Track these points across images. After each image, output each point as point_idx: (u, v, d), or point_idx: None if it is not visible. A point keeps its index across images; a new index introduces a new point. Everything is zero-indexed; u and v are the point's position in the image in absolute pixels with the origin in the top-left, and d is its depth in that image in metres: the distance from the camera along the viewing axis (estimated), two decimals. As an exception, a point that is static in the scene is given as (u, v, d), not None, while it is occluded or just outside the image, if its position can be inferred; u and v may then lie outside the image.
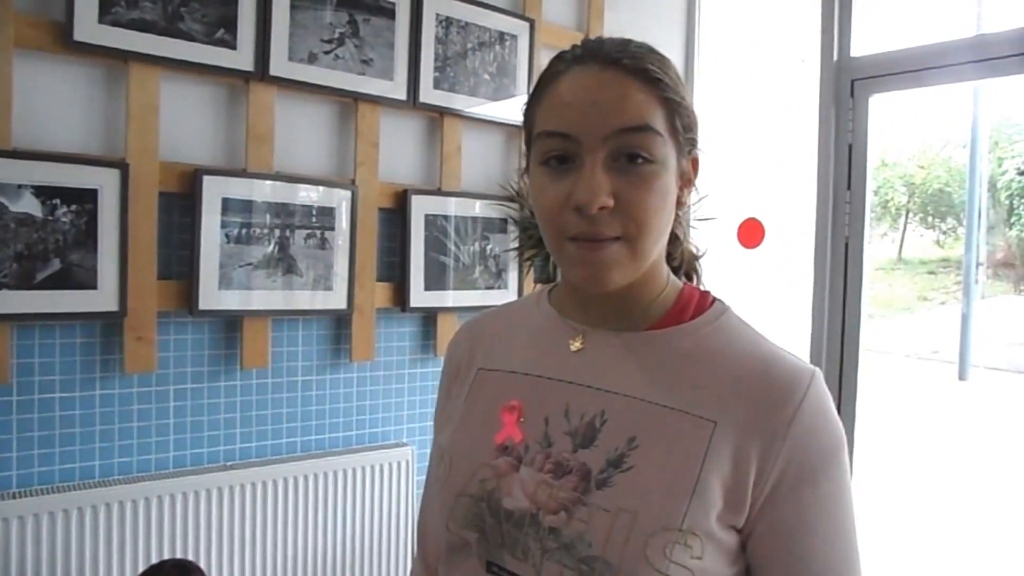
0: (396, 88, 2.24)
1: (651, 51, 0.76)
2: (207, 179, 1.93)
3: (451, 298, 2.39)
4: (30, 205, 1.72)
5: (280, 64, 2.02)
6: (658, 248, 0.77)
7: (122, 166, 1.82)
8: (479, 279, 2.45)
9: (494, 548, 0.76)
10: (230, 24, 1.95)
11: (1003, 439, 5.58)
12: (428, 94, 2.30)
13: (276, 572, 2.07)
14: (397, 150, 2.32)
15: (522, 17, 2.50)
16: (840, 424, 0.75)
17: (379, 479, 2.24)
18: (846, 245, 2.38)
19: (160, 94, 1.88)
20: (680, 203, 0.80)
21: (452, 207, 2.38)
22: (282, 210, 2.06)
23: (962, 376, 7.18)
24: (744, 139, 2.80)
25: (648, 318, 0.80)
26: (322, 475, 2.14)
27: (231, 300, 1.98)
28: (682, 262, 0.89)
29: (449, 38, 2.35)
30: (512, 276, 2.52)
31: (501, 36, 2.46)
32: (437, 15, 2.31)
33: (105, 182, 1.80)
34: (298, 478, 2.10)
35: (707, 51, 2.96)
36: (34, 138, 1.76)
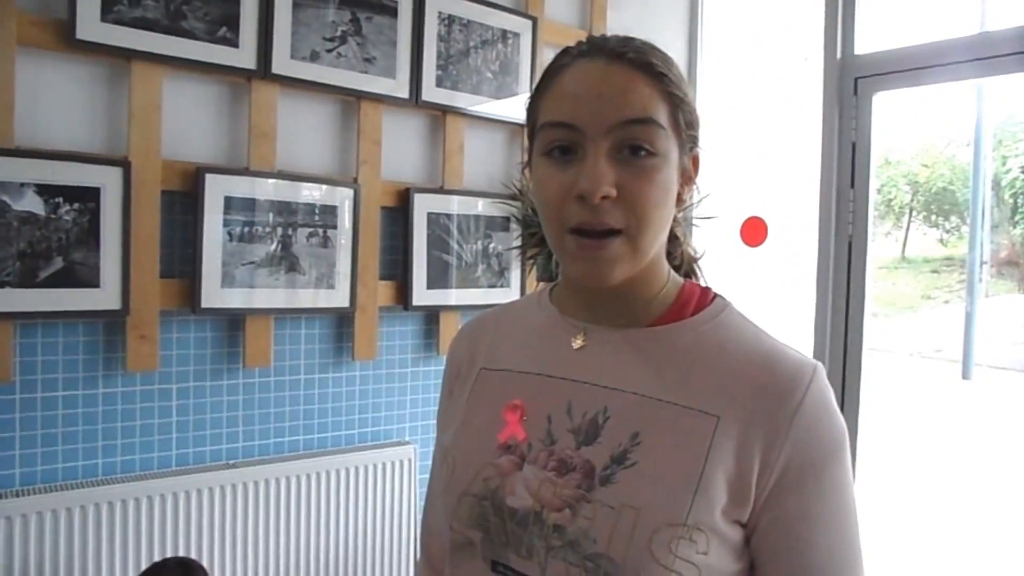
0: (398, 86, 2.24)
1: (655, 48, 0.77)
2: (209, 177, 1.93)
3: (454, 296, 2.38)
4: (33, 203, 1.72)
5: (282, 62, 2.02)
6: (658, 243, 0.78)
7: (125, 164, 1.82)
8: (482, 277, 2.45)
9: (499, 547, 0.76)
10: (232, 22, 1.95)
11: (1007, 438, 5.56)
12: (431, 92, 2.30)
13: (278, 570, 2.08)
14: (399, 148, 2.32)
15: (525, 15, 2.50)
16: (842, 418, 0.75)
17: (381, 478, 2.24)
18: (849, 243, 2.38)
19: (162, 92, 1.88)
20: (680, 200, 0.80)
21: (455, 205, 2.38)
22: (284, 208, 2.06)
23: (966, 375, 7.16)
24: (747, 137, 2.80)
25: (649, 315, 0.80)
26: (324, 474, 2.14)
27: (233, 299, 1.99)
28: (682, 263, 0.89)
29: (452, 36, 2.34)
30: (515, 275, 2.52)
31: (504, 34, 2.46)
32: (439, 13, 2.31)
33: (108, 180, 1.80)
34: (300, 477, 2.10)
35: (710, 49, 2.95)
36: (37, 136, 1.76)
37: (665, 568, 0.68)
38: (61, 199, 1.75)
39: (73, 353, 1.84)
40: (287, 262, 2.07)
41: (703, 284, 0.89)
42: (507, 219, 2.48)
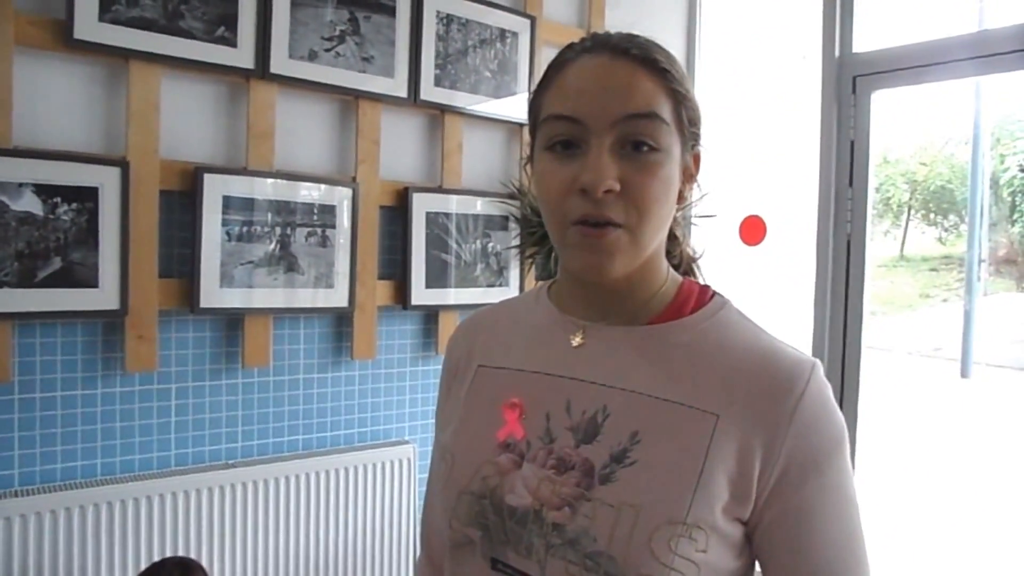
0: (397, 86, 2.24)
1: (658, 45, 0.77)
2: (208, 177, 1.93)
3: (452, 296, 2.38)
4: (31, 203, 1.72)
5: (281, 62, 2.02)
6: (658, 238, 0.78)
7: (123, 164, 1.82)
8: (480, 277, 2.45)
9: (498, 545, 0.76)
10: (230, 22, 1.95)
11: (1005, 436, 5.57)
12: (429, 91, 2.30)
13: (278, 570, 2.08)
14: (398, 148, 2.32)
15: (523, 14, 2.50)
16: (841, 415, 0.75)
17: (381, 477, 2.24)
18: (848, 242, 2.38)
19: (161, 92, 1.88)
20: (682, 198, 0.80)
21: (453, 205, 2.38)
22: (283, 208, 2.06)
23: (964, 373, 7.17)
24: (746, 136, 2.80)
25: (648, 312, 0.80)
26: (323, 473, 2.14)
27: (232, 298, 1.98)
28: (681, 262, 0.89)
29: (450, 35, 2.34)
30: (514, 274, 2.52)
31: (502, 33, 2.46)
32: (438, 12, 2.31)
33: (106, 180, 1.80)
34: (299, 476, 2.10)
35: (708, 48, 2.95)
36: (35, 136, 1.75)
37: (665, 566, 0.68)
38: (59, 199, 1.75)
39: (72, 353, 1.83)
40: (286, 262, 2.07)
41: (702, 283, 0.89)
42: (506, 218, 2.48)
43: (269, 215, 2.04)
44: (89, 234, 1.79)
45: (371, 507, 2.22)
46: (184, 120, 1.95)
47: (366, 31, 2.17)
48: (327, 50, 2.11)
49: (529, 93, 0.83)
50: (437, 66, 2.32)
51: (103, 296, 1.81)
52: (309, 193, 2.10)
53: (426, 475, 0.94)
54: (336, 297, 2.16)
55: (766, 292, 2.54)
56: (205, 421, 2.03)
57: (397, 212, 2.30)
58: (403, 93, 2.25)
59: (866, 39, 2.38)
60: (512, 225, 2.49)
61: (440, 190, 2.36)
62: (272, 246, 2.05)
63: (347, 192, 2.17)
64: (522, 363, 0.84)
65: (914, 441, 5.63)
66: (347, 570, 2.20)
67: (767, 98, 2.79)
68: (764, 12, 2.86)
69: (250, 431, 2.10)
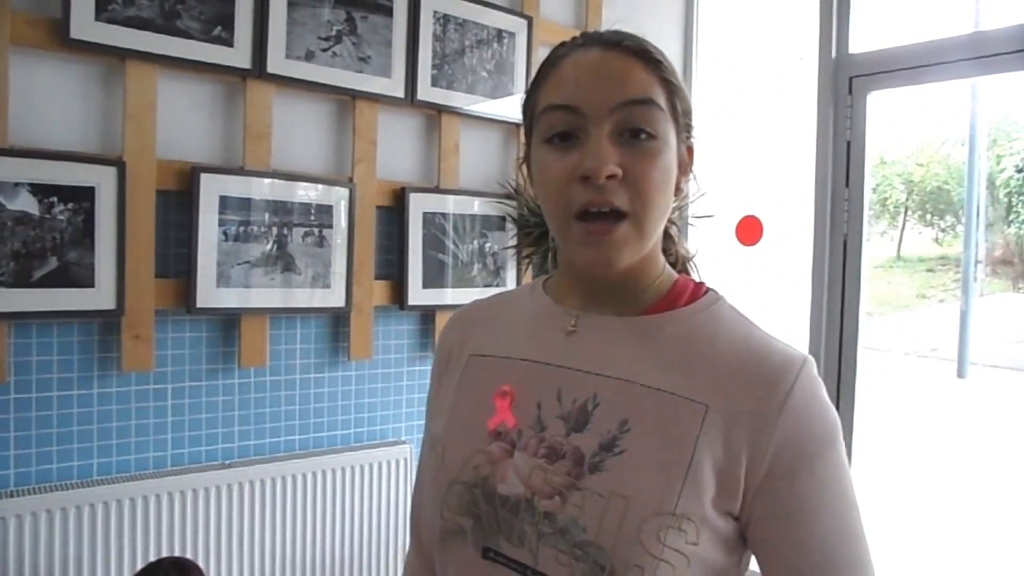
0: (394, 86, 2.24)
1: (646, 40, 0.79)
2: (204, 177, 1.93)
3: (449, 296, 2.38)
4: (27, 203, 1.71)
5: (277, 62, 2.02)
6: (660, 228, 0.78)
7: (119, 164, 1.81)
8: (477, 277, 2.45)
9: (490, 534, 0.76)
10: (227, 21, 1.95)
11: (1002, 437, 5.58)
12: (426, 92, 2.30)
13: (274, 570, 2.07)
14: (395, 148, 2.32)
15: (520, 14, 2.50)
16: (834, 411, 0.74)
17: (378, 477, 2.24)
18: (844, 243, 2.38)
19: (157, 92, 1.87)
20: (678, 189, 0.80)
21: (450, 205, 2.38)
22: (280, 208, 2.06)
23: (961, 374, 7.19)
24: (742, 137, 2.80)
25: (642, 303, 0.80)
26: (321, 473, 2.14)
27: (229, 298, 1.98)
28: (676, 261, 0.89)
29: (447, 35, 2.34)
30: (511, 274, 2.52)
31: (499, 33, 2.46)
32: (435, 12, 2.31)
33: (102, 180, 1.79)
34: (296, 476, 2.10)
35: (705, 49, 2.95)
36: (31, 136, 1.75)
37: (654, 557, 0.68)
38: (55, 199, 1.75)
39: (68, 353, 1.83)
40: (282, 262, 2.07)
41: (698, 280, 0.89)
42: (503, 218, 2.48)
43: (266, 215, 2.04)
44: (85, 234, 1.78)
45: (368, 507, 2.22)
46: (181, 120, 1.95)
47: (363, 31, 2.17)
48: (324, 50, 2.11)
49: (527, 87, 0.83)
50: (434, 66, 2.32)
51: (99, 296, 1.81)
52: (306, 193, 2.10)
53: (422, 474, 0.93)
54: (333, 297, 2.16)
55: (763, 293, 2.54)
56: (202, 421, 2.02)
57: (394, 212, 2.30)
58: (400, 93, 2.25)
59: (862, 40, 2.38)
60: (509, 225, 2.49)
61: (437, 190, 2.36)
62: (269, 246, 2.05)
63: (344, 192, 2.16)
64: (514, 352, 0.84)
65: (911, 441, 5.65)
66: (344, 570, 2.20)
67: (764, 99, 2.80)
68: (761, 13, 2.86)
69: (247, 431, 2.10)
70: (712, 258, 1.06)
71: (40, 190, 1.72)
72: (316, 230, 2.12)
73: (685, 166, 0.80)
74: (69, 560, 1.77)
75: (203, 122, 1.99)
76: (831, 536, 0.71)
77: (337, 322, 2.24)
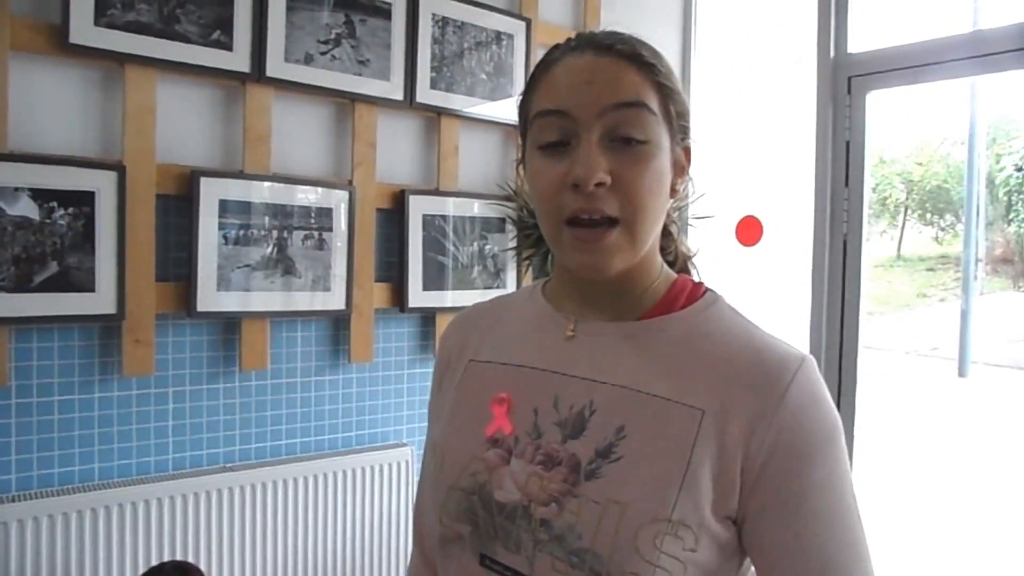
0: (393, 88, 2.24)
1: (642, 41, 0.78)
2: (204, 181, 1.93)
3: (450, 298, 2.38)
4: (27, 208, 1.71)
5: (276, 65, 2.02)
6: (654, 233, 0.78)
7: (119, 168, 1.82)
8: (477, 279, 2.45)
9: (487, 541, 0.76)
10: (226, 25, 1.95)
11: (1003, 435, 5.58)
12: (425, 94, 2.30)
13: (276, 573, 2.07)
14: (394, 150, 2.32)
15: (519, 17, 2.50)
16: (834, 411, 0.73)
17: (379, 480, 2.24)
18: (844, 242, 2.38)
19: (156, 96, 1.88)
20: (674, 191, 0.80)
21: (450, 207, 2.38)
22: (280, 211, 2.06)
23: (962, 373, 7.19)
24: (742, 137, 2.80)
25: (640, 307, 0.80)
26: (322, 476, 2.14)
27: (229, 302, 1.98)
28: (676, 259, 0.89)
29: (446, 38, 2.34)
30: (510, 276, 2.52)
31: (498, 36, 2.46)
32: (433, 15, 2.31)
33: (102, 184, 1.80)
34: (298, 479, 2.09)
35: (704, 49, 2.96)
36: (31, 141, 1.75)
37: (651, 564, 0.67)
38: (55, 203, 1.75)
39: (69, 358, 1.83)
40: (283, 265, 2.07)
41: (696, 280, 0.89)
42: (502, 220, 2.48)
43: (266, 218, 2.04)
44: (86, 238, 1.79)
45: (369, 510, 2.22)
46: (180, 124, 1.95)
47: (362, 34, 2.18)
48: (323, 53, 2.11)
49: (522, 92, 0.83)
50: (433, 69, 2.32)
51: (100, 300, 1.81)
52: (306, 196, 2.10)
53: (423, 477, 0.93)
54: (333, 300, 2.16)
55: (763, 293, 2.54)
56: (203, 425, 2.02)
57: (394, 215, 2.31)
58: (399, 96, 2.25)
59: (861, 40, 2.38)
60: (509, 227, 2.49)
61: (436, 192, 2.36)
62: (269, 249, 2.05)
63: (344, 195, 2.17)
64: (512, 358, 0.84)
65: (912, 440, 5.64)
66: (345, 572, 2.19)
67: (763, 99, 2.80)
68: (759, 13, 2.86)
69: (248, 434, 2.10)
70: (712, 259, 1.06)
71: (40, 195, 1.73)
72: (316, 233, 2.12)
73: (681, 167, 0.80)
74: (71, 564, 1.77)
75: (203, 126, 2.00)
76: (829, 539, 0.70)
77: (337, 325, 2.24)
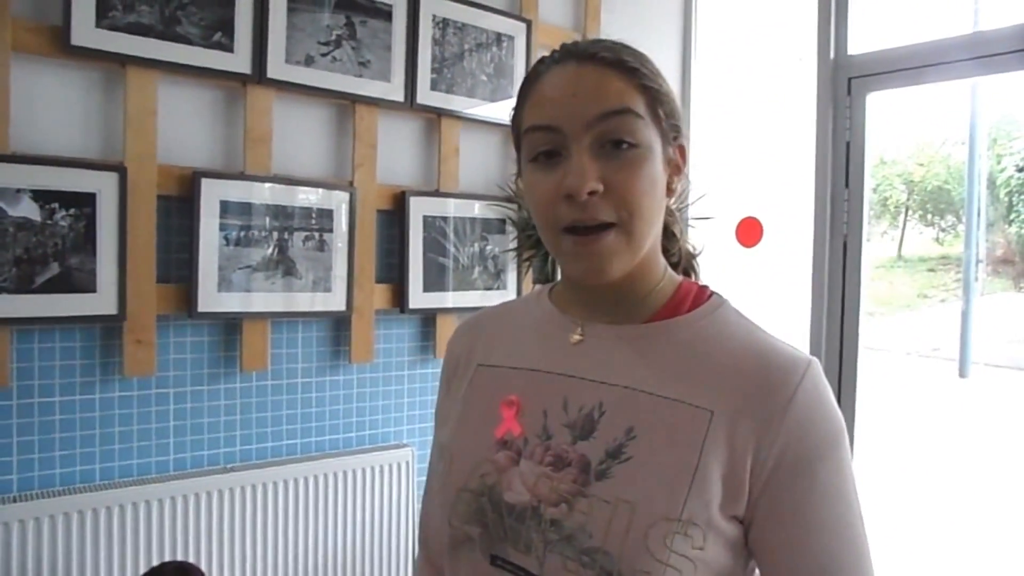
0: (393, 90, 2.24)
1: (626, 46, 0.78)
2: (205, 182, 1.93)
3: (450, 299, 2.39)
4: (29, 209, 1.72)
5: (277, 67, 2.03)
6: (652, 235, 0.78)
7: (120, 170, 1.82)
8: (478, 280, 2.45)
9: (497, 542, 0.77)
10: (227, 27, 1.95)
11: (1004, 436, 5.58)
12: (425, 95, 2.30)
13: (277, 574, 2.07)
14: (395, 152, 2.32)
15: (519, 18, 2.50)
16: (839, 414, 0.74)
17: (379, 480, 2.24)
18: (845, 243, 2.38)
19: (158, 97, 1.88)
20: (670, 190, 0.81)
21: (450, 208, 2.38)
22: (280, 212, 2.06)
23: (963, 373, 7.18)
24: (742, 138, 2.80)
25: (646, 311, 0.81)
26: (322, 477, 2.14)
27: (230, 302, 1.99)
28: (680, 259, 0.90)
29: (446, 39, 2.35)
30: (511, 277, 2.52)
31: (498, 37, 2.46)
32: (434, 16, 2.31)
33: (103, 186, 1.80)
34: (298, 480, 2.10)
35: (704, 50, 2.96)
36: (32, 142, 1.76)
37: (660, 563, 0.68)
38: (57, 205, 1.75)
39: (70, 358, 1.83)
40: (283, 266, 2.07)
41: (700, 281, 0.89)
42: (503, 221, 2.49)
43: (267, 219, 2.04)
44: (87, 239, 1.79)
45: (370, 511, 2.23)
46: (181, 125, 1.96)
47: (362, 36, 2.18)
48: (324, 55, 2.11)
49: (513, 106, 0.84)
50: (433, 70, 2.32)
51: (101, 301, 1.81)
52: (306, 197, 2.11)
53: (425, 478, 0.94)
54: (334, 301, 2.16)
55: (763, 294, 2.54)
56: (203, 425, 2.03)
57: (394, 216, 2.31)
58: (400, 97, 2.25)
59: (861, 41, 2.38)
60: (509, 228, 2.49)
61: (437, 194, 2.36)
62: (270, 250, 2.05)
63: (344, 196, 2.17)
64: (520, 361, 0.85)
65: (913, 441, 5.64)
66: (346, 573, 2.20)
67: (763, 100, 2.80)
68: (759, 15, 2.86)
69: (248, 435, 2.10)
70: (712, 259, 1.06)
71: (42, 196, 1.73)
72: (317, 234, 2.13)
73: (676, 166, 0.81)
74: (72, 565, 1.77)
75: (204, 127, 2.00)
76: (831, 544, 0.71)
77: (338, 326, 2.24)
